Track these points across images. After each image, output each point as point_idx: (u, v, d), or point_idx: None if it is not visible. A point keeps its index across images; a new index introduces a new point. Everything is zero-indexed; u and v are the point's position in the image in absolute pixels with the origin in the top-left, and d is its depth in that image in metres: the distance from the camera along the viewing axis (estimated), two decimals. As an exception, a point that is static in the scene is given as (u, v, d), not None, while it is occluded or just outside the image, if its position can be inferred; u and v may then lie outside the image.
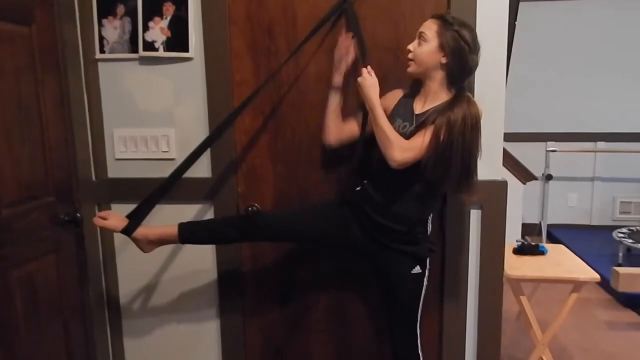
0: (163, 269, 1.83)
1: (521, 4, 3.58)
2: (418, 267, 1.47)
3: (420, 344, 1.53)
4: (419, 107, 1.43)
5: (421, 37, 1.39)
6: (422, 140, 1.34)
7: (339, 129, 1.55)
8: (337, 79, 1.54)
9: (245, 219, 1.64)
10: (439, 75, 1.39)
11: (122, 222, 1.52)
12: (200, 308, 1.83)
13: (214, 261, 1.79)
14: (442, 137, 1.31)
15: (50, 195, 1.56)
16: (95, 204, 1.78)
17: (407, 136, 1.39)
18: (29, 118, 1.48)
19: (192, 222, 1.63)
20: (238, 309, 1.81)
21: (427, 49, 1.37)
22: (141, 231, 1.53)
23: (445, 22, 1.38)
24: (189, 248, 1.79)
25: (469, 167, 1.35)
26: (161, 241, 1.55)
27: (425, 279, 1.51)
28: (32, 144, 1.50)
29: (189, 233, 1.55)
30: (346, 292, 1.77)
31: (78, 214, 1.63)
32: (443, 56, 1.37)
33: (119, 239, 1.82)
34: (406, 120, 1.43)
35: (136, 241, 1.54)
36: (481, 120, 1.36)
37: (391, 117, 1.45)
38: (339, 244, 1.57)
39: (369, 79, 1.40)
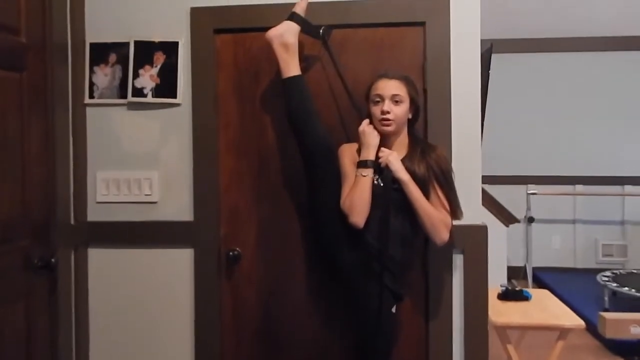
0: (137, 322, 1.76)
1: (501, 54, 3.77)
2: (395, 307, 1.50)
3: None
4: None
5: (396, 98, 1.45)
6: (444, 204, 1.46)
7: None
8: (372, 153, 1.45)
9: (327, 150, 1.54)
10: (405, 128, 1.52)
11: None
12: None
13: (192, 313, 1.73)
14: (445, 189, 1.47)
15: (26, 237, 1.52)
16: (72, 247, 1.73)
17: (385, 189, 1.44)
18: (11, 157, 1.46)
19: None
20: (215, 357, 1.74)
21: (405, 109, 1.48)
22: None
23: (409, 81, 1.49)
24: (163, 299, 1.74)
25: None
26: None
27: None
28: (12, 184, 1.47)
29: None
30: (329, 331, 1.72)
31: (53, 259, 1.57)
32: (410, 112, 1.50)
33: (92, 285, 1.77)
34: (377, 173, 1.46)
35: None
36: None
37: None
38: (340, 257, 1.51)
39: (393, 154, 1.44)
